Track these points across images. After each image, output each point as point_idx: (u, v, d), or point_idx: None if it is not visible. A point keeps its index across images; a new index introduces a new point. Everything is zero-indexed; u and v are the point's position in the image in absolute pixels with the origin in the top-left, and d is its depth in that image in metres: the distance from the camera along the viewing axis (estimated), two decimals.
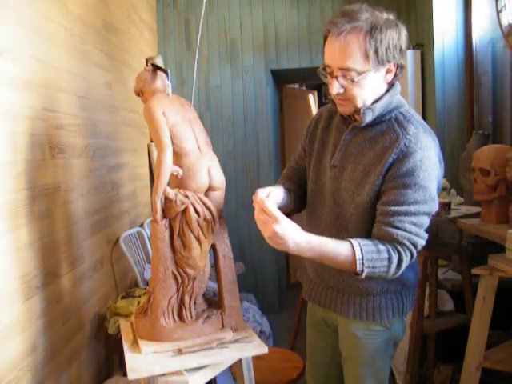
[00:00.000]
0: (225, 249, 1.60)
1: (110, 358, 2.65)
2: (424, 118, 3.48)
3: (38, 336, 1.83)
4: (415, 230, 1.26)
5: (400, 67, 1.31)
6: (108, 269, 2.70)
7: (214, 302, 1.66)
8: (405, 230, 1.25)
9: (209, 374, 1.48)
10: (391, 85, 1.35)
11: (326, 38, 1.29)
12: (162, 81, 1.62)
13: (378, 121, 1.34)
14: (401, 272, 1.28)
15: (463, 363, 1.98)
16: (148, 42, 3.76)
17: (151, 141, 3.62)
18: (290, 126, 4.87)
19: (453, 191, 2.87)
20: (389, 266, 1.25)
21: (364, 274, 1.24)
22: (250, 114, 4.00)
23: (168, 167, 1.46)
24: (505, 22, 2.67)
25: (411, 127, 1.29)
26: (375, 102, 1.32)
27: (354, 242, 1.23)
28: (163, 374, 1.41)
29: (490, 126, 3.02)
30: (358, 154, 1.35)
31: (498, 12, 2.70)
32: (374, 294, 1.40)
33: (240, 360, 1.54)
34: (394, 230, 1.25)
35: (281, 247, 1.21)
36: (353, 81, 1.25)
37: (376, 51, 1.23)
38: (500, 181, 2.09)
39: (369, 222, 1.34)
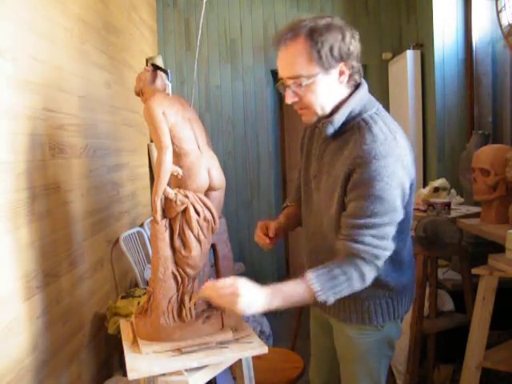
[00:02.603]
0: (225, 249, 1.60)
1: (110, 358, 2.65)
2: (424, 117, 3.48)
3: (38, 336, 1.83)
4: (376, 243, 1.23)
5: (352, 68, 1.29)
6: (108, 269, 2.70)
7: None
8: (364, 244, 1.23)
9: (209, 374, 1.48)
10: (356, 86, 1.33)
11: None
12: (162, 81, 1.62)
13: (343, 129, 1.32)
14: (368, 283, 1.26)
15: (463, 363, 1.98)
16: (148, 42, 3.76)
17: (151, 141, 3.62)
18: (289, 126, 4.87)
19: (453, 191, 2.87)
20: (351, 285, 1.24)
21: (331, 300, 1.24)
22: (250, 114, 4.00)
23: (168, 167, 1.46)
24: (505, 22, 2.67)
25: (369, 136, 1.25)
26: (337, 108, 1.30)
27: (309, 275, 1.24)
28: (163, 374, 1.41)
29: (490, 126, 3.02)
30: (330, 163, 1.35)
31: (498, 12, 2.70)
32: (362, 299, 1.39)
33: (240, 360, 1.54)
34: (353, 245, 1.23)
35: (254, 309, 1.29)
36: (300, 85, 1.26)
37: (318, 52, 1.23)
38: (500, 181, 2.09)
39: None
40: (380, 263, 1.26)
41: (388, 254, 1.26)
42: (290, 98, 1.30)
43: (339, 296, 1.25)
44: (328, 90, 1.29)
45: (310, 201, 1.47)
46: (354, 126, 1.31)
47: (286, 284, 1.27)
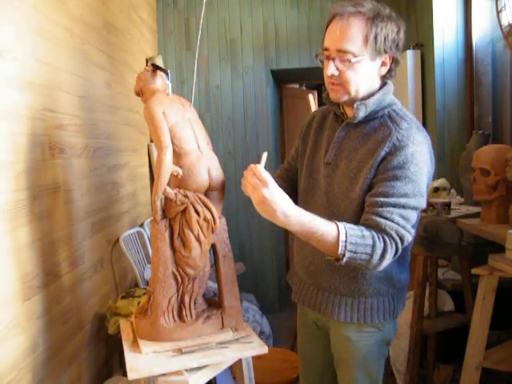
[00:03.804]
0: (225, 249, 1.60)
1: (110, 358, 2.65)
2: (424, 117, 3.48)
3: (38, 336, 1.83)
4: (403, 223, 1.25)
5: (395, 62, 1.33)
6: (108, 269, 2.70)
7: (214, 301, 1.66)
8: (393, 221, 1.24)
9: (209, 374, 1.48)
10: (384, 83, 1.36)
11: (329, 23, 1.32)
12: (161, 81, 1.62)
13: (370, 117, 1.35)
14: (383, 266, 1.24)
15: (463, 363, 1.98)
16: (148, 41, 3.76)
17: (151, 141, 3.62)
18: (290, 126, 4.87)
19: (453, 191, 2.87)
20: (371, 255, 1.21)
21: (345, 259, 1.21)
22: (250, 114, 4.00)
23: (168, 167, 1.46)
24: (505, 22, 2.67)
25: (404, 123, 1.31)
26: (368, 97, 1.33)
27: (340, 224, 1.22)
28: (163, 374, 1.41)
29: (490, 126, 3.02)
30: (351, 150, 1.36)
31: (498, 12, 2.71)
32: (366, 296, 1.39)
33: (240, 360, 1.54)
34: (382, 220, 1.23)
35: (269, 215, 1.19)
36: (349, 61, 1.27)
37: (375, 38, 1.26)
38: (500, 181, 2.09)
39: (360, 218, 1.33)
40: (400, 247, 1.25)
41: (410, 238, 1.27)
42: (331, 70, 1.30)
43: (353, 260, 1.22)
44: (367, 76, 1.31)
45: (314, 190, 1.45)
46: (384, 115, 1.34)
47: (318, 218, 1.22)
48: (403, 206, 1.24)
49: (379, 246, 1.22)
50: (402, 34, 1.31)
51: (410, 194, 1.25)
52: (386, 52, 1.29)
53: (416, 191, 1.25)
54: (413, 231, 1.28)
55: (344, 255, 1.20)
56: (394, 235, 1.23)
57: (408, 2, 3.80)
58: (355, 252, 1.21)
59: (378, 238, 1.22)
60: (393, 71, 1.35)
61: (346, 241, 1.20)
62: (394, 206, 1.24)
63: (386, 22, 1.27)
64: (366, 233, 1.22)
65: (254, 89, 3.98)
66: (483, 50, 3.10)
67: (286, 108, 4.86)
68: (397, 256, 1.27)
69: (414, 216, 1.27)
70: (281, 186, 1.51)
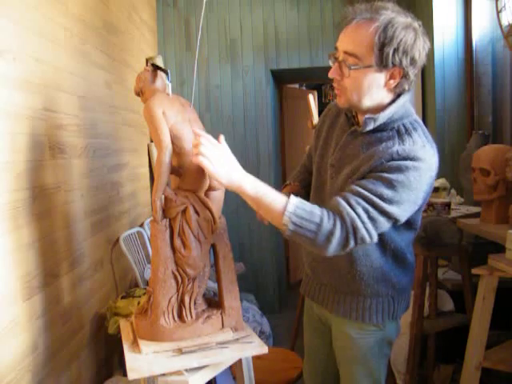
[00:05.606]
0: (225, 249, 1.60)
1: (110, 358, 2.65)
2: (424, 118, 3.48)
3: (38, 336, 1.83)
4: (364, 218, 1.18)
5: (405, 77, 1.24)
6: (108, 269, 2.70)
7: (214, 301, 1.66)
8: (354, 211, 1.18)
9: (209, 374, 1.48)
10: (398, 95, 1.29)
11: (346, 24, 1.27)
12: (161, 81, 1.62)
13: (379, 128, 1.30)
14: (331, 250, 1.19)
15: (463, 363, 1.98)
16: (148, 41, 3.76)
17: (151, 141, 3.62)
18: (289, 126, 4.87)
19: (453, 191, 2.87)
20: (316, 233, 1.17)
21: (288, 231, 1.18)
22: (249, 114, 4.00)
23: (167, 167, 1.46)
24: (505, 22, 2.67)
25: (409, 140, 1.25)
26: (379, 110, 1.28)
27: (294, 197, 1.20)
28: (163, 374, 1.41)
29: (490, 126, 3.02)
30: (354, 157, 1.33)
31: (498, 12, 2.71)
32: (365, 296, 1.40)
33: (240, 360, 1.54)
34: (344, 204, 1.19)
35: (228, 169, 1.21)
36: (350, 68, 1.22)
37: (382, 48, 1.19)
38: (500, 181, 2.09)
39: None
40: (351, 238, 1.19)
41: (366, 238, 1.20)
42: (332, 72, 1.27)
43: (296, 233, 1.18)
44: (370, 86, 1.24)
45: (322, 189, 1.45)
46: (393, 129, 1.29)
47: (269, 187, 1.22)
48: (373, 205, 1.18)
49: (326, 226, 1.17)
50: (418, 47, 1.21)
51: (386, 198, 1.18)
52: (394, 65, 1.21)
53: (394, 199, 1.19)
54: (373, 234, 1.21)
55: (285, 225, 1.17)
56: (348, 223, 1.18)
57: (408, 2, 3.80)
58: (300, 226, 1.17)
59: (329, 218, 1.18)
60: (405, 84, 1.26)
61: (292, 212, 1.16)
62: (365, 199, 1.19)
63: (398, 33, 1.18)
64: (317, 211, 1.18)
65: (254, 89, 3.98)
66: (483, 50, 3.10)
67: (286, 108, 4.86)
68: (348, 249, 1.21)
69: (381, 221, 1.20)
70: (306, 178, 1.59)
